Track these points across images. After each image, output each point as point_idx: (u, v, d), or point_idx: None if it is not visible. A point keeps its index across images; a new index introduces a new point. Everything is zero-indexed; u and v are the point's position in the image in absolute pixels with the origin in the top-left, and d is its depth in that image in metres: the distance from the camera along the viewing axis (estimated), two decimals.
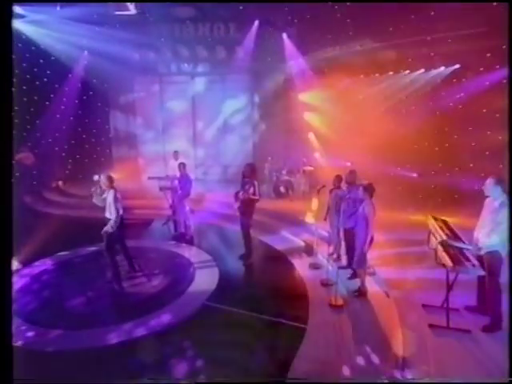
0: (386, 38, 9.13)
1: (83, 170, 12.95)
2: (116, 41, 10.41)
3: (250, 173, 6.22)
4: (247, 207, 6.29)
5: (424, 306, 4.69)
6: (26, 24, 10.04)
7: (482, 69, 8.74)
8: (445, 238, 3.96)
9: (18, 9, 9.29)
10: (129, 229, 6.17)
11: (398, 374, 3.60)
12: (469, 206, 5.63)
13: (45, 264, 6.53)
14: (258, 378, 3.79)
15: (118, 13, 8.57)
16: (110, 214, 5.58)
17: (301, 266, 6.42)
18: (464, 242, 4.01)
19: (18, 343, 4.20)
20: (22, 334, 4.44)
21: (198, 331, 4.71)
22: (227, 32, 10.50)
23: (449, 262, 3.81)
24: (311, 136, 12.08)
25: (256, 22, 10.11)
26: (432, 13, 8.53)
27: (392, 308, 4.79)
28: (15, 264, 6.34)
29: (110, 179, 5.62)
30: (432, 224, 4.53)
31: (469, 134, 9.29)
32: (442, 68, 9.02)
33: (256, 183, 6.19)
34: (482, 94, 8.59)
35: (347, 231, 5.65)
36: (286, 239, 7.87)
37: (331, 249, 6.64)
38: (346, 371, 3.74)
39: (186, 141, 12.23)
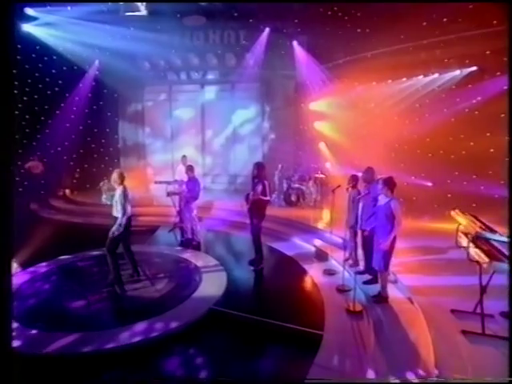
0: (397, 41, 8.96)
1: (91, 180, 12.88)
2: (127, 50, 10.48)
3: (259, 173, 5.94)
4: (258, 209, 5.97)
5: (453, 311, 4.25)
6: (38, 28, 10.09)
7: (498, 73, 8.48)
8: (479, 230, 3.59)
9: (30, 11, 9.37)
10: (134, 235, 5.89)
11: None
12: (488, 215, 5.23)
13: (44, 267, 6.23)
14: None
15: (128, 14, 8.59)
16: (117, 211, 5.34)
17: (314, 272, 6.03)
18: (500, 234, 3.63)
19: (16, 346, 3.87)
20: (20, 337, 4.10)
21: (205, 337, 4.35)
22: (237, 40, 10.50)
23: (484, 258, 3.43)
24: (322, 145, 11.84)
25: (266, 30, 10.08)
26: (444, 16, 8.38)
27: (418, 314, 4.36)
28: (15, 266, 6.08)
29: (121, 176, 5.40)
30: (460, 219, 4.16)
31: (486, 141, 8.93)
32: (458, 71, 8.78)
33: (266, 183, 5.91)
34: (500, 98, 8.29)
35: (367, 232, 5.26)
36: (298, 246, 7.50)
37: (347, 254, 6.26)
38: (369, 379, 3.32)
39: (194, 149, 12.07)
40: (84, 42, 9.85)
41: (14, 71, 9.58)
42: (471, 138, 9.46)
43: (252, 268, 6.09)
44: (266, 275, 6.07)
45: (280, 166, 9.71)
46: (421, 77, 9.44)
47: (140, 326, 4.35)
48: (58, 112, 11.83)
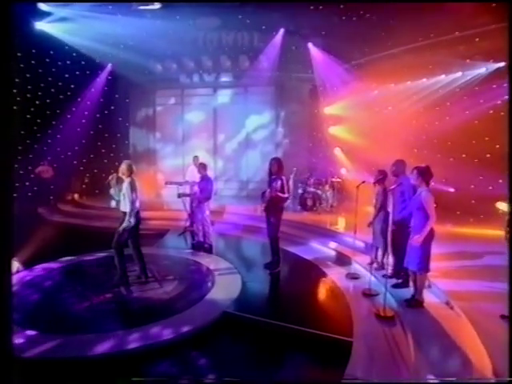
0: (416, 39, 8.62)
1: (100, 185, 12.65)
2: (139, 52, 10.38)
3: (277, 168, 5.54)
4: (275, 207, 5.55)
5: (503, 317, 3.72)
6: (52, 24, 10.02)
7: None
8: None
9: (44, 6, 9.31)
10: (142, 239, 5.50)
11: None
12: None
13: (47, 267, 5.85)
14: None
15: (141, 7, 8.47)
16: (125, 206, 4.99)
17: (337, 276, 5.53)
18: None
19: (17, 349, 3.46)
20: (20, 339, 3.69)
21: (219, 342, 3.88)
22: (251, 42, 10.33)
23: None
24: (338, 151, 11.45)
25: (281, 31, 9.88)
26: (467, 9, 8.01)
27: (461, 320, 3.84)
28: (17, 266, 5.73)
29: (130, 167, 5.07)
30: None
31: None
32: (483, 69, 8.35)
33: (285, 179, 5.50)
34: None
35: (397, 231, 4.78)
36: (316, 249, 7.01)
37: (371, 257, 5.77)
38: None
39: (205, 154, 11.75)
40: (98, 35, 9.66)
41: (17, 76, 9.55)
42: (497, 141, 8.94)
43: (268, 271, 5.62)
44: (284, 279, 5.60)
45: (295, 169, 9.30)
46: (442, 76, 9.03)
47: (148, 329, 3.91)
48: (69, 116, 11.74)
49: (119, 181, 5.25)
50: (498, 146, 9.00)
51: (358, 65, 10.16)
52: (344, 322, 4.12)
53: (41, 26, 10.00)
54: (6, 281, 2.24)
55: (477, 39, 8.18)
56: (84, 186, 12.54)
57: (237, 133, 11.81)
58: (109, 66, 11.79)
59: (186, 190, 7.95)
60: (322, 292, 5.08)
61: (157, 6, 8.26)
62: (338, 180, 9.79)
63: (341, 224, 7.91)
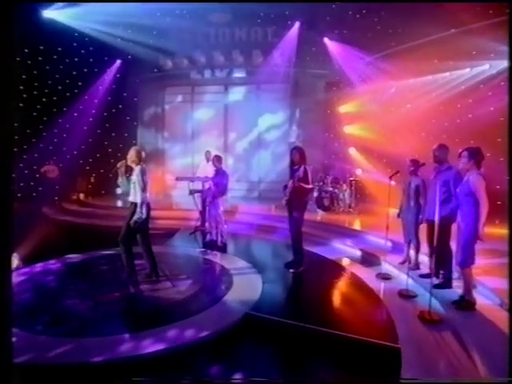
0: (435, 30, 8.17)
1: (106, 186, 12.27)
2: (149, 47, 10.09)
3: (299, 157, 5.09)
4: (299, 199, 5.07)
5: None
6: (61, 11, 9.70)
7: None
8: None
9: None
10: (151, 238, 5.02)
11: None
12: None
13: (50, 265, 5.38)
14: None
15: None
16: (135, 196, 4.54)
17: (366, 277, 5.00)
18: None
19: (16, 356, 2.99)
20: (21, 343, 3.20)
21: (242, 347, 3.38)
22: (265, 37, 9.98)
23: None
24: (353, 151, 10.99)
25: (296, 24, 9.52)
26: None
27: None
28: (17, 263, 5.29)
29: (139, 154, 4.63)
30: None
31: None
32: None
33: (308, 169, 5.04)
34: None
35: (440, 225, 4.27)
36: (339, 249, 6.50)
37: (404, 255, 5.26)
38: None
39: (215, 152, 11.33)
40: (108, 21, 9.32)
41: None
42: None
43: (291, 271, 5.11)
44: (309, 279, 5.07)
45: (311, 166, 8.80)
46: (467, 70, 8.56)
47: (163, 332, 3.42)
48: (76, 115, 11.43)
49: (128, 169, 4.82)
50: None
51: (385, 56, 9.67)
52: (384, 326, 3.61)
53: (48, 13, 9.70)
54: (6, 281, 1.97)
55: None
56: (90, 187, 12.17)
57: (248, 132, 11.37)
58: (117, 63, 11.50)
59: (198, 186, 7.50)
60: (354, 293, 4.54)
61: None
62: (356, 179, 9.29)
63: (366, 221, 7.44)
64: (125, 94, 12.14)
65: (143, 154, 4.71)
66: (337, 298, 4.39)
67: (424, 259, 5.17)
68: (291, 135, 10.97)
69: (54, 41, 10.78)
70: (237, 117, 11.25)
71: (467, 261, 3.67)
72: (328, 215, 8.51)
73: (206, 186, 7.09)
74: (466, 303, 3.74)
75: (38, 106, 11.10)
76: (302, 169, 5.01)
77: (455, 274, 4.31)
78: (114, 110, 12.10)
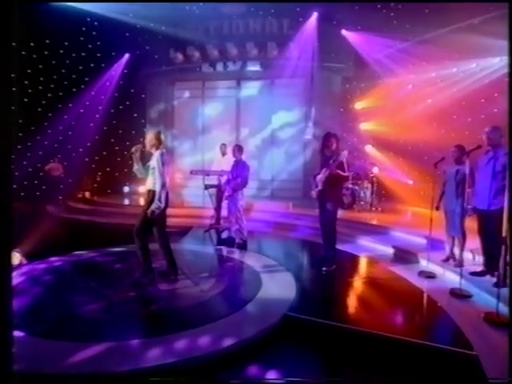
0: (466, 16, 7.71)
1: (113, 185, 11.83)
2: (159, 40, 9.71)
3: (335, 143, 4.65)
4: (333, 190, 4.60)
5: None
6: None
7: None
8: None
9: None
10: None
11: None
12: None
13: (56, 262, 4.88)
14: None
15: None
16: (153, 183, 4.08)
17: (408, 275, 4.50)
18: None
19: (17, 362, 2.49)
20: (22, 347, 2.71)
21: (286, 353, 2.87)
22: (280, 29, 9.59)
23: None
24: (369, 148, 10.52)
25: (314, 15, 9.11)
26: None
27: None
28: (19, 257, 4.81)
29: (159, 137, 4.18)
30: None
31: None
32: None
33: (345, 155, 4.57)
34: None
35: (493, 218, 3.79)
36: (368, 247, 5.99)
37: (446, 252, 4.77)
38: None
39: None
40: (118, 10, 8.94)
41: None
42: None
43: (324, 269, 4.60)
44: (346, 277, 4.55)
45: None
46: (497, 59, 8.08)
47: (191, 336, 2.91)
48: (82, 111, 11.02)
49: (143, 155, 4.38)
50: None
51: (396, 54, 9.25)
52: (448, 330, 3.11)
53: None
54: (6, 281, 1.78)
55: None
56: (95, 185, 11.70)
57: (261, 129, 10.87)
58: (125, 58, 11.10)
59: (214, 181, 7.02)
60: (401, 293, 4.02)
61: None
62: (377, 175, 8.80)
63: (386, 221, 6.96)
64: (132, 91, 11.73)
65: (163, 136, 4.25)
66: (384, 299, 3.88)
67: (468, 256, 4.69)
68: (307, 132, 10.50)
69: (61, 34, 10.41)
70: (249, 113, 10.78)
71: None
72: (349, 213, 8.01)
73: (222, 180, 6.63)
74: None
75: (43, 102, 10.68)
76: (337, 156, 4.54)
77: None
78: (121, 107, 11.66)
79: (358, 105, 10.53)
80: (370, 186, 8.54)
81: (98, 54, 11.23)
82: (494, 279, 3.84)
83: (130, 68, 11.29)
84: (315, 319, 3.23)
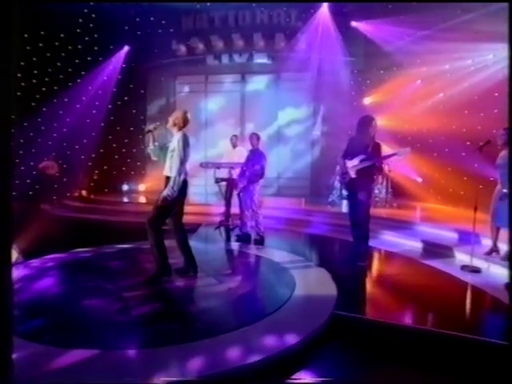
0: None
1: (110, 183, 11.27)
2: (160, 31, 9.28)
3: (372, 129, 4.28)
4: (367, 178, 4.21)
5: None
6: None
7: None
8: None
9: None
10: (170, 234, 4.08)
11: None
12: None
13: (55, 261, 4.36)
14: None
15: None
16: (172, 169, 3.62)
17: (451, 270, 4.11)
18: None
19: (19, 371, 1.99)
20: (23, 353, 2.22)
21: (338, 358, 2.45)
22: (288, 20, 9.23)
23: None
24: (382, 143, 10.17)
25: (323, 7, 8.79)
26: None
27: None
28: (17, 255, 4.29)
29: (186, 117, 3.75)
30: None
31: None
32: None
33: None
34: None
35: None
36: (394, 242, 5.60)
37: (490, 244, 4.40)
38: None
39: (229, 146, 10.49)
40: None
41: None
42: None
43: (359, 264, 4.18)
44: (384, 272, 4.15)
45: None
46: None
47: (231, 340, 2.46)
48: (78, 106, 10.50)
49: (155, 137, 3.97)
50: None
51: (409, 47, 8.93)
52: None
53: None
54: (6, 281, 1.53)
55: None
56: (92, 184, 11.14)
57: (267, 125, 10.44)
58: (124, 50, 10.61)
59: (224, 174, 6.58)
60: (451, 289, 3.62)
61: None
62: (392, 170, 8.44)
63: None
64: (131, 86, 11.24)
65: (189, 117, 3.83)
66: (434, 295, 3.47)
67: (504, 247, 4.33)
68: (316, 127, 10.14)
69: (57, 26, 9.94)
70: (255, 108, 10.37)
71: None
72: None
73: (234, 173, 6.21)
74: None
75: (37, 96, 10.13)
76: (375, 143, 4.18)
77: None
78: (119, 103, 11.16)
79: (369, 99, 10.21)
80: (385, 182, 8.19)
81: (96, 47, 10.74)
82: None
83: (129, 61, 10.82)
84: (367, 318, 2.81)
